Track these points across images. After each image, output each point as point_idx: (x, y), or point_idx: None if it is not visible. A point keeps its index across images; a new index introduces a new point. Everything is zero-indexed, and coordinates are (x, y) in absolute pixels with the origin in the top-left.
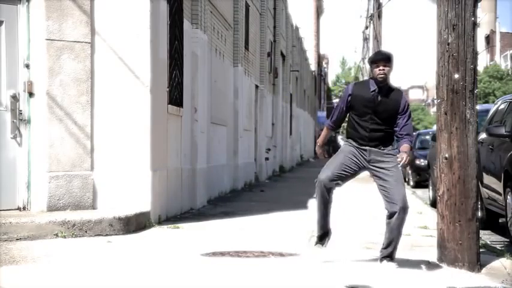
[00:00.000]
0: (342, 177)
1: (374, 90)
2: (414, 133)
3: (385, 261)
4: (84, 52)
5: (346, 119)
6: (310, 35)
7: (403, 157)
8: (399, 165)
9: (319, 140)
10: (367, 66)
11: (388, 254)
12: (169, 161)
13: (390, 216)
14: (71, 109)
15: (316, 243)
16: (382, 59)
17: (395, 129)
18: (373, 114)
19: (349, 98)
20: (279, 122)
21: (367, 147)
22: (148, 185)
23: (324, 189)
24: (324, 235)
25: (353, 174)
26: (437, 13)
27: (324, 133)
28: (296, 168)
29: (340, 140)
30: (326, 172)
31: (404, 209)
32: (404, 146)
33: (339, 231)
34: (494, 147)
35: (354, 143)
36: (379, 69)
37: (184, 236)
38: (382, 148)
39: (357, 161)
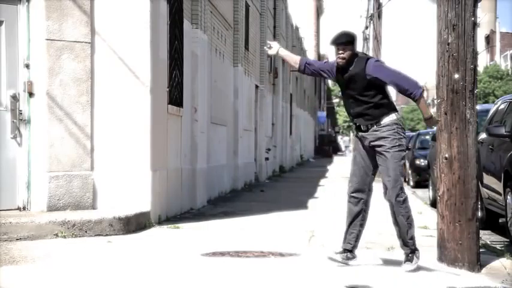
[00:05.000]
0: (364, 179)
1: (339, 71)
2: (414, 133)
3: (404, 265)
4: (84, 52)
5: None
6: (310, 35)
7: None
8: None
9: None
10: None
11: (405, 251)
12: (169, 161)
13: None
14: (71, 109)
15: (338, 252)
16: (340, 43)
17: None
18: (347, 91)
19: (330, 70)
20: (279, 122)
21: (361, 134)
22: (148, 185)
23: (350, 200)
24: (346, 250)
25: (371, 164)
26: (437, 13)
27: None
28: (296, 168)
29: (340, 139)
30: (348, 184)
31: (395, 199)
32: (425, 113)
33: (338, 231)
34: (494, 147)
35: (353, 127)
36: (338, 54)
37: (184, 236)
38: (374, 126)
39: (364, 153)
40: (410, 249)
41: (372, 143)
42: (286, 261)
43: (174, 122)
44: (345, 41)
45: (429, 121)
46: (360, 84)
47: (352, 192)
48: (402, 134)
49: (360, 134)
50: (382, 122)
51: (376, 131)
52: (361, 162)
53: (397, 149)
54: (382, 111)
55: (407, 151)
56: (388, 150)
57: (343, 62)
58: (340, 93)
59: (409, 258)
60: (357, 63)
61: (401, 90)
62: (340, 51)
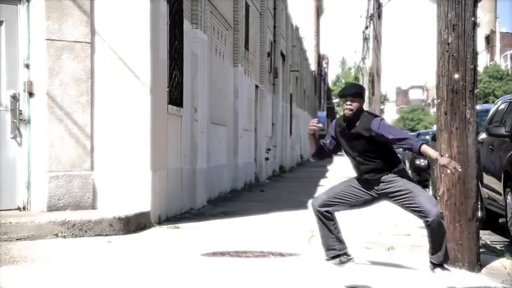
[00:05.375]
0: (337, 204)
1: (344, 125)
2: (414, 133)
3: (437, 269)
4: (84, 52)
5: None
6: (310, 35)
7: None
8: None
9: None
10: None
11: (434, 260)
12: (169, 161)
13: (427, 226)
14: (71, 109)
15: (329, 258)
16: (348, 94)
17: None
18: (352, 148)
19: (334, 135)
20: (279, 122)
21: (369, 179)
22: (148, 185)
23: (317, 213)
24: (335, 256)
25: (358, 202)
26: (437, 13)
27: (311, 141)
28: (296, 168)
29: None
30: (321, 197)
31: (436, 219)
32: (432, 155)
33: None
34: (494, 147)
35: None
36: (346, 105)
37: (184, 236)
38: (385, 174)
39: (363, 191)
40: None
41: (385, 187)
42: (286, 261)
43: (174, 122)
44: (353, 92)
45: (442, 160)
46: (366, 141)
47: (323, 206)
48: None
49: (369, 179)
50: (390, 177)
51: (385, 181)
52: (350, 193)
53: (410, 182)
54: (391, 165)
55: (407, 151)
56: (403, 184)
57: (350, 113)
58: (344, 149)
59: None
60: (363, 120)
61: (402, 144)
62: (348, 103)
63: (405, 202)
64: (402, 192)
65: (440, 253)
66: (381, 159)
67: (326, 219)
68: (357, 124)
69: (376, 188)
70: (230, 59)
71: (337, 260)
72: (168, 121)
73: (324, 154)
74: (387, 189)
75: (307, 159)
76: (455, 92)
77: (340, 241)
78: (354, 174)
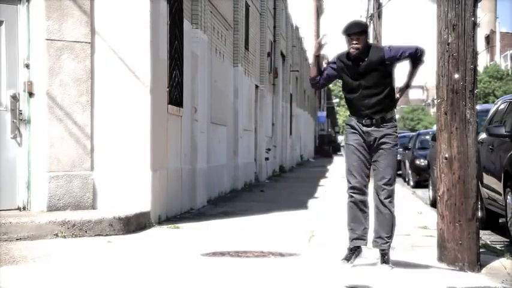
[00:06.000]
0: (367, 175)
1: (350, 64)
2: (414, 133)
3: (380, 265)
4: (84, 52)
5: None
6: (310, 35)
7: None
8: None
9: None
10: None
11: (386, 247)
12: (169, 161)
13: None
14: (71, 109)
15: (344, 258)
16: (354, 32)
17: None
18: (361, 81)
19: (334, 72)
20: (279, 122)
21: (366, 129)
22: (148, 185)
23: (356, 200)
24: (353, 249)
25: (370, 159)
26: (437, 13)
27: (314, 62)
28: (296, 168)
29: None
30: (351, 178)
31: (389, 200)
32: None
33: (338, 231)
34: (494, 147)
35: (356, 122)
36: (353, 44)
37: (184, 236)
38: (383, 123)
39: (365, 147)
40: (388, 248)
41: (378, 140)
42: (286, 261)
43: (174, 122)
44: (359, 30)
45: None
46: (377, 73)
47: (360, 190)
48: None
49: (365, 129)
50: (387, 117)
51: (382, 127)
52: (361, 156)
53: (396, 148)
54: (391, 105)
55: (407, 151)
56: (391, 148)
57: (357, 51)
58: (346, 87)
59: (385, 260)
60: (374, 51)
61: (412, 54)
62: (354, 42)
63: (374, 163)
64: (382, 157)
65: (391, 239)
66: (385, 95)
67: (363, 208)
68: (366, 59)
69: (369, 140)
70: (230, 59)
71: (351, 258)
72: (168, 121)
73: (318, 82)
74: (380, 142)
75: (307, 159)
76: (455, 92)
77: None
78: None
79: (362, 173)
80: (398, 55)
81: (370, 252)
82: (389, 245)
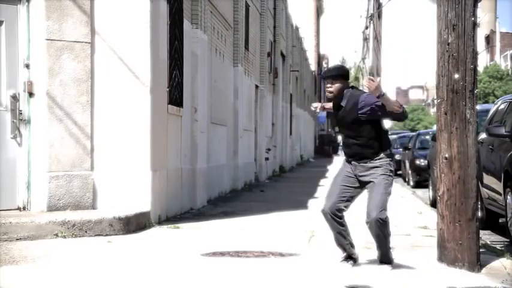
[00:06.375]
0: (347, 199)
1: (334, 108)
2: (414, 133)
3: (379, 265)
4: (84, 52)
5: None
6: (310, 35)
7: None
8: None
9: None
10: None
11: (380, 259)
12: (169, 161)
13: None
14: (71, 109)
15: (343, 259)
16: (329, 76)
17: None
18: (342, 127)
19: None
20: (279, 122)
21: (353, 162)
22: (148, 185)
23: (330, 217)
24: (349, 256)
25: (356, 189)
26: (437, 13)
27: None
28: (296, 168)
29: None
30: (330, 199)
31: (376, 221)
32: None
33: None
34: (494, 147)
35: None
36: (327, 87)
37: (184, 236)
38: (369, 161)
39: (354, 177)
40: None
41: (362, 174)
42: (286, 261)
43: (174, 122)
44: (334, 74)
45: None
46: (353, 122)
47: (336, 208)
48: (392, 166)
49: (354, 163)
50: (374, 159)
51: (370, 163)
52: (349, 184)
53: (388, 176)
54: (376, 150)
55: (407, 151)
56: (378, 176)
57: (330, 95)
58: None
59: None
60: (350, 97)
61: (389, 112)
62: (328, 85)
63: (368, 193)
64: (373, 184)
65: (387, 253)
66: (367, 145)
67: (339, 225)
68: (343, 104)
69: (355, 172)
70: (230, 59)
71: (352, 261)
72: (168, 121)
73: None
74: (364, 177)
75: (307, 159)
76: (455, 92)
77: (352, 245)
78: None
79: (339, 198)
80: (366, 111)
81: (370, 252)
82: (388, 246)
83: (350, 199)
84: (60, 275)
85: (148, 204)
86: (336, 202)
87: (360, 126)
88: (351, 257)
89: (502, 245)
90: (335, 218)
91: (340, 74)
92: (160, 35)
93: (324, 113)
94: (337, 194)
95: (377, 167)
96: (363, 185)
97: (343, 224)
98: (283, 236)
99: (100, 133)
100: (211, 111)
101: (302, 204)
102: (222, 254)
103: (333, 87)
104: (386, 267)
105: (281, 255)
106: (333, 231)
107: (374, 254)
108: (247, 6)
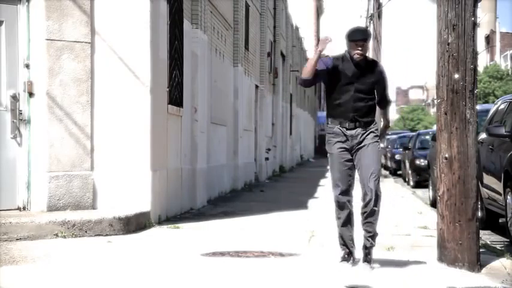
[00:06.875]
0: (351, 181)
1: (352, 66)
2: (414, 133)
3: (361, 264)
4: (84, 52)
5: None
6: (310, 35)
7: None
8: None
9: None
10: None
11: (370, 243)
12: (169, 161)
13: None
14: (71, 109)
15: (342, 259)
16: (361, 39)
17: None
18: (355, 84)
19: (328, 70)
20: (279, 122)
21: (351, 132)
22: (148, 185)
23: (344, 204)
24: (350, 253)
25: (351, 169)
26: (437, 13)
27: (316, 60)
28: (296, 168)
29: None
30: (337, 189)
31: (377, 197)
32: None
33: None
34: (494, 147)
35: (339, 127)
36: (358, 50)
37: (184, 236)
38: (366, 127)
39: (348, 154)
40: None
41: (362, 141)
42: (286, 261)
43: (174, 122)
44: (364, 37)
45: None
46: (371, 80)
47: (346, 193)
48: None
49: (349, 132)
50: (370, 120)
51: (366, 130)
52: (346, 164)
53: (378, 143)
54: (373, 112)
55: (407, 151)
56: (373, 143)
57: (361, 58)
58: (335, 89)
59: (368, 259)
60: (371, 61)
61: (384, 95)
62: (359, 48)
63: (357, 162)
64: (364, 152)
65: (375, 236)
66: (372, 104)
67: (350, 213)
68: (364, 65)
69: (352, 144)
70: (230, 59)
71: (351, 260)
72: (168, 121)
73: (309, 82)
74: (360, 144)
75: (307, 159)
76: (455, 92)
77: (353, 241)
78: None
79: (347, 182)
80: (384, 84)
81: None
82: (373, 244)
83: (353, 180)
84: (60, 275)
85: (148, 204)
86: (346, 187)
87: (372, 85)
88: (349, 255)
89: (502, 245)
90: (349, 204)
91: (369, 37)
92: (160, 35)
93: (324, 113)
94: (343, 179)
95: (372, 132)
96: (355, 148)
97: (352, 211)
98: (283, 236)
99: (100, 133)
100: (211, 111)
101: (302, 204)
102: (222, 254)
103: (363, 50)
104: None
105: (281, 255)
106: (342, 221)
107: (374, 254)
108: (247, 6)
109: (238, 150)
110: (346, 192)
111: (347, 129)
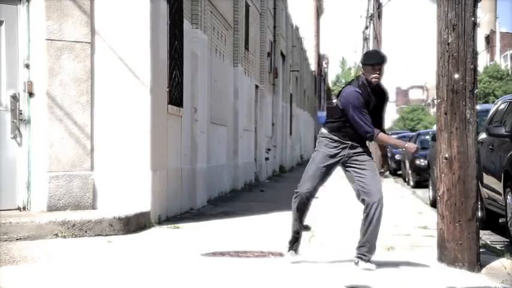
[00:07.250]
0: (320, 184)
1: (370, 93)
2: (414, 133)
3: (362, 262)
4: (84, 52)
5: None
6: (310, 35)
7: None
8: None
9: (398, 143)
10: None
11: (364, 252)
12: (169, 161)
13: (368, 208)
14: (71, 109)
15: (289, 249)
16: (381, 62)
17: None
18: (375, 112)
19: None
20: (279, 122)
21: (349, 143)
22: (148, 185)
23: (304, 200)
24: (294, 240)
25: (328, 174)
26: (437, 13)
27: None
28: (296, 168)
29: None
30: (306, 185)
31: (381, 200)
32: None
33: (338, 231)
34: (494, 147)
35: (336, 139)
36: (376, 73)
37: (184, 236)
38: (361, 145)
39: (333, 161)
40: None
41: (352, 156)
42: (286, 261)
43: (174, 122)
44: (383, 61)
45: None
46: (378, 106)
47: (312, 194)
48: None
49: (350, 151)
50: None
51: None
52: (325, 170)
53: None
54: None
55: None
56: (369, 159)
57: (378, 81)
58: None
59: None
60: (380, 85)
61: (383, 118)
62: (377, 72)
63: (358, 174)
64: (364, 165)
65: (372, 244)
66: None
67: (306, 208)
68: (378, 90)
69: (346, 154)
70: (230, 59)
71: (296, 247)
72: (168, 121)
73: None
74: (354, 156)
75: (307, 159)
76: (455, 92)
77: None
78: None
79: (315, 183)
80: (385, 105)
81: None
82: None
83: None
84: (60, 275)
85: (148, 204)
86: (312, 188)
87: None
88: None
89: (502, 245)
90: (308, 201)
91: (386, 60)
92: (160, 35)
93: (324, 113)
94: (315, 179)
95: (365, 152)
96: (345, 165)
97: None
98: (283, 236)
99: (100, 133)
100: (211, 111)
101: None
102: (222, 254)
103: (381, 75)
104: (371, 266)
105: (281, 255)
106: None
107: (374, 254)
108: (247, 6)
109: (238, 150)
110: (312, 193)
111: (349, 148)
